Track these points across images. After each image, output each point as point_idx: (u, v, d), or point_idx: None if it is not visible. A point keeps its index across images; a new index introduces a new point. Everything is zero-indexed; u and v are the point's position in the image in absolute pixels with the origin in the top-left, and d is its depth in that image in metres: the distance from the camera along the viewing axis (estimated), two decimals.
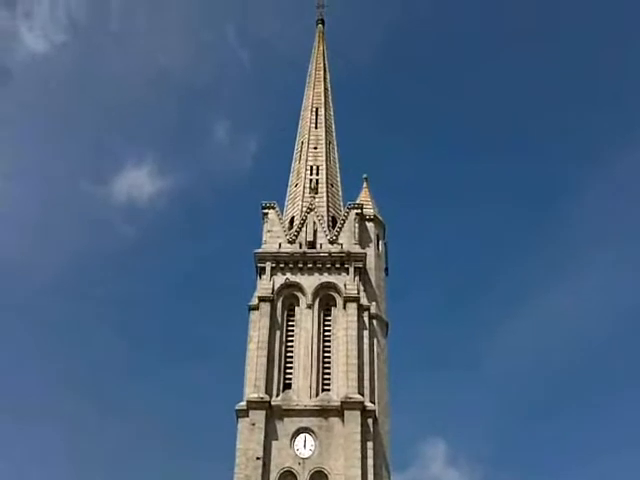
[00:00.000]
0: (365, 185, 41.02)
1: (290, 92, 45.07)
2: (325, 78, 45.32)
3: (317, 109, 43.80)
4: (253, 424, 32.38)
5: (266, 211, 38.62)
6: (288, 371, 34.39)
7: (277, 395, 33.49)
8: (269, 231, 38.05)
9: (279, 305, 35.87)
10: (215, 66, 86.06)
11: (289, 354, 34.83)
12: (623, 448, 67.10)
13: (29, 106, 79.32)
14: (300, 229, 37.93)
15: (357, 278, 36.49)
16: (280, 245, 37.42)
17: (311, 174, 40.92)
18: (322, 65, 46.03)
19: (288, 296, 36.22)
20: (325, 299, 36.17)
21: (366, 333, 35.27)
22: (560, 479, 67.33)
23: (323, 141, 42.31)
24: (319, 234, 37.83)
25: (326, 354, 34.82)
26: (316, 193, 39.83)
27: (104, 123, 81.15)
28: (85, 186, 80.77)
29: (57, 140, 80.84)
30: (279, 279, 36.49)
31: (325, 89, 44.91)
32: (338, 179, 41.41)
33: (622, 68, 79.96)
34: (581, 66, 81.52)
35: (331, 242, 37.48)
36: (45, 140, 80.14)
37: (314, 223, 38.11)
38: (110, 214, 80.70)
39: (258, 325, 35.08)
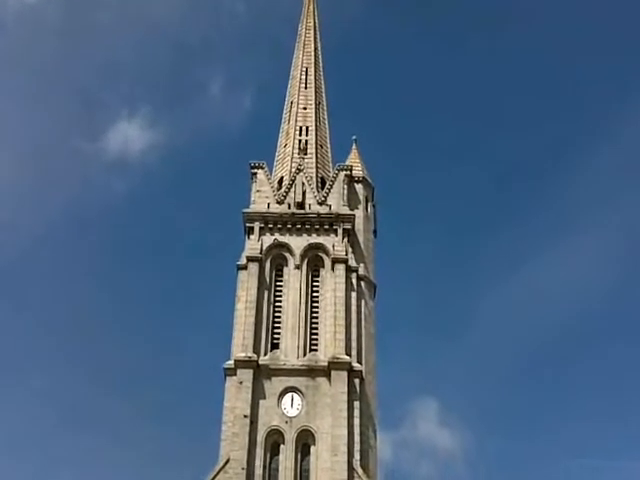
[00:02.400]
0: (354, 147, 40.93)
1: (285, 49, 44.60)
2: (315, 38, 44.84)
3: (307, 69, 43.40)
4: (241, 383, 32.52)
5: (255, 171, 38.40)
6: (276, 331, 34.48)
7: (265, 354, 33.62)
8: (258, 191, 37.89)
9: (267, 265, 35.85)
10: (210, 20, 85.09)
11: (277, 314, 34.91)
12: (610, 410, 68.36)
13: (18, 58, 78.40)
14: (289, 190, 37.80)
15: (345, 240, 36.52)
16: (269, 205, 37.32)
17: (300, 135, 40.65)
18: (312, 24, 45.48)
19: (276, 256, 36.20)
20: (313, 260, 36.18)
21: (354, 294, 35.39)
22: (551, 439, 68.10)
23: (313, 102, 41.99)
24: (308, 195, 37.71)
25: (314, 315, 34.93)
26: (305, 154, 39.63)
27: (95, 77, 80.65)
28: (76, 141, 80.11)
29: (46, 93, 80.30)
30: (267, 239, 36.43)
31: (315, 49, 44.45)
32: (327, 140, 41.21)
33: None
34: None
35: (320, 203, 37.39)
36: (34, 93, 79.53)
37: (303, 184, 37.97)
38: (101, 169, 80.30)
39: (246, 285, 35.08)
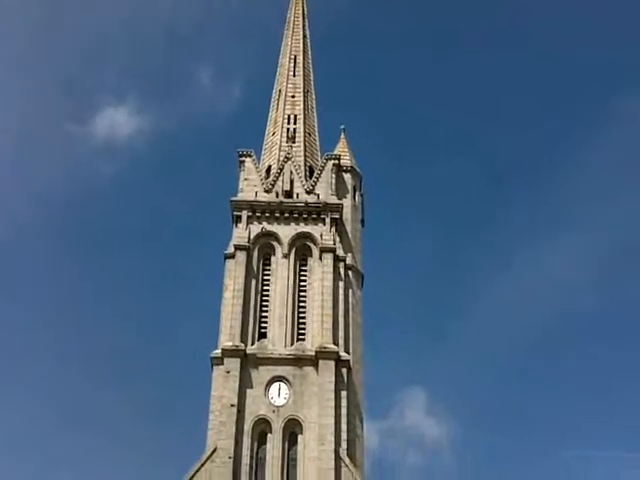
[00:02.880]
0: (343, 136, 40.85)
1: (275, 37, 44.32)
2: (304, 25, 44.62)
3: (295, 57, 43.20)
4: (228, 372, 32.48)
5: (243, 159, 38.26)
6: (263, 320, 34.43)
7: (252, 344, 33.57)
8: (246, 179, 37.75)
9: (255, 254, 35.77)
10: (200, 6, 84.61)
11: (264, 303, 34.85)
12: (598, 402, 68.82)
13: (3, 43, 77.67)
14: (277, 178, 37.68)
15: (333, 229, 36.47)
16: (256, 194, 37.19)
17: (289, 123, 40.48)
18: (301, 12, 45.27)
19: (264, 245, 36.12)
20: (301, 249, 36.13)
21: (341, 284, 35.38)
22: (539, 430, 68.44)
23: (301, 90, 41.80)
24: (296, 184, 37.62)
25: (301, 304, 34.91)
26: (293, 142, 39.49)
27: (83, 62, 79.82)
28: (63, 125, 79.56)
29: (33, 78, 79.37)
30: (255, 228, 36.33)
31: (304, 37, 44.23)
32: (316, 129, 41.05)
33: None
34: None
35: (308, 192, 37.32)
36: (20, 78, 78.61)
37: (291, 172, 37.88)
38: (88, 153, 79.83)
39: (234, 274, 34.99)
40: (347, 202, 38.06)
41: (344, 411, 32.15)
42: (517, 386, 72.88)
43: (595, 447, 68.56)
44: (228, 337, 33.40)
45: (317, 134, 40.96)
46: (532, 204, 77.79)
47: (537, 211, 77.91)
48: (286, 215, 36.62)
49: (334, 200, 37.23)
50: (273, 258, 35.96)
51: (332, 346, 33.32)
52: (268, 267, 35.81)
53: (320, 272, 35.29)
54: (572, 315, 76.25)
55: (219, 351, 33.18)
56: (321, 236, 36.07)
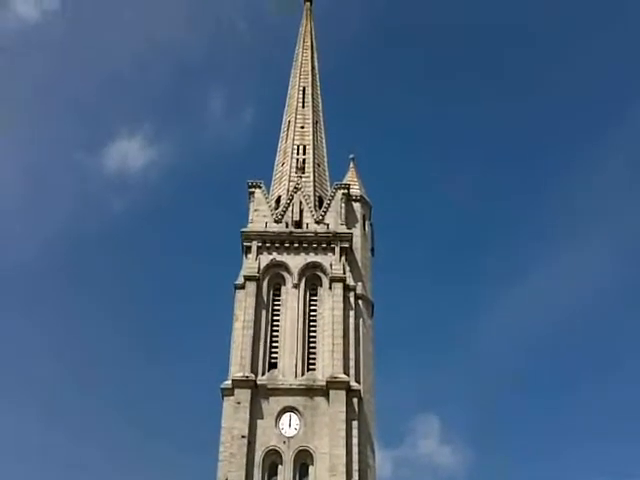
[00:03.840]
0: (352, 165, 40.94)
1: (284, 68, 44.76)
2: (312, 57, 45.01)
3: (304, 88, 43.54)
4: (238, 403, 32.38)
5: (252, 190, 38.44)
6: (274, 350, 34.37)
7: (262, 374, 33.49)
8: (256, 210, 37.91)
9: (265, 284, 35.80)
10: (211, 38, 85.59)
11: (275, 333, 34.81)
12: (614, 423, 67.75)
13: (19, 75, 78.75)
14: (286, 208, 37.82)
15: (343, 258, 36.49)
16: (266, 224, 37.32)
17: (298, 153, 40.72)
18: (309, 44, 45.70)
19: (274, 275, 36.15)
20: (311, 279, 36.14)
21: (352, 313, 35.31)
22: (552, 460, 67.55)
23: (310, 120, 42.09)
24: (305, 214, 37.74)
25: (312, 334, 34.84)
26: (303, 173, 39.69)
27: (96, 93, 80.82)
28: (76, 157, 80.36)
29: (48, 110, 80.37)
30: (265, 258, 36.40)
31: (312, 68, 44.61)
32: (325, 159, 41.24)
33: None
34: None
35: (317, 222, 37.41)
36: (35, 110, 79.71)
37: (300, 203, 38.02)
38: (100, 185, 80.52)
39: (244, 304, 35.01)
40: (357, 231, 38.09)
41: (355, 441, 31.92)
42: (533, 411, 72.19)
43: (614, 476, 67.37)
44: (238, 368, 33.35)
45: (326, 164, 41.15)
46: (543, 221, 77.71)
47: (541, 230, 77.80)
48: (296, 245, 36.69)
49: (344, 230, 37.29)
50: (283, 288, 35.98)
51: (343, 376, 33.18)
52: (278, 297, 35.82)
53: (330, 302, 35.25)
54: (587, 334, 75.73)
55: (229, 382, 33.11)
56: (331, 266, 36.09)
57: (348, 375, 33.36)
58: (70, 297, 75.03)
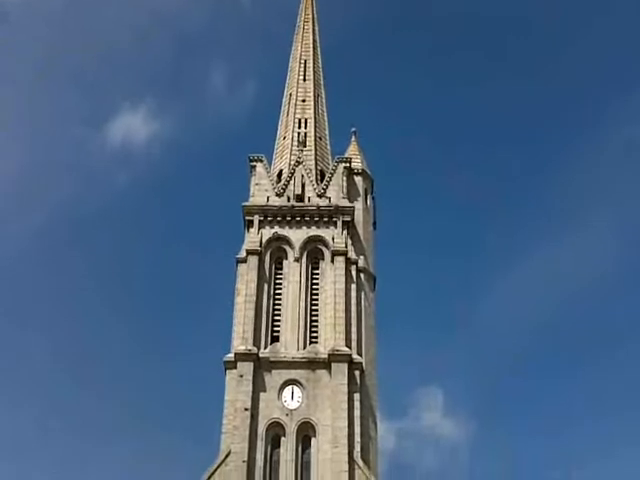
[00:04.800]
0: (354, 139, 40.85)
1: (286, 41, 44.57)
2: (314, 30, 44.72)
3: (305, 61, 43.31)
4: (241, 376, 32.54)
5: (254, 164, 38.37)
6: (276, 324, 34.47)
7: (265, 347, 33.64)
8: (257, 184, 37.86)
9: (267, 258, 35.84)
10: (212, 11, 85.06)
11: (277, 307, 34.90)
12: (620, 401, 68.00)
13: (19, 47, 78.28)
14: (288, 182, 37.78)
15: (345, 232, 36.49)
16: (268, 198, 37.29)
17: (299, 127, 40.57)
18: (311, 16, 45.36)
19: (276, 249, 36.19)
20: (313, 252, 36.17)
21: (354, 286, 35.35)
22: (554, 436, 67.88)
23: (311, 94, 41.90)
24: (307, 187, 37.71)
25: (314, 307, 34.92)
26: (304, 146, 39.57)
27: (98, 67, 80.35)
28: (77, 130, 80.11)
29: (49, 84, 80.00)
30: (267, 232, 36.42)
31: (314, 41, 44.32)
32: (326, 132, 41.13)
33: None
34: None
35: (319, 196, 37.37)
36: (37, 84, 79.33)
37: (302, 176, 37.98)
38: (103, 159, 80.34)
39: (246, 278, 35.08)
40: (358, 205, 38.07)
41: (357, 413, 32.11)
42: (538, 383, 72.42)
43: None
44: (241, 341, 33.49)
45: (328, 138, 41.04)
46: (546, 201, 77.61)
47: (547, 205, 77.71)
48: (297, 219, 36.69)
49: (345, 203, 37.27)
50: (285, 262, 36.04)
51: (345, 349, 33.32)
52: (280, 271, 35.88)
53: (332, 275, 35.32)
54: (593, 309, 75.74)
55: (232, 355, 33.28)
56: (333, 239, 36.12)
57: (350, 348, 33.50)
58: (72, 274, 74.94)
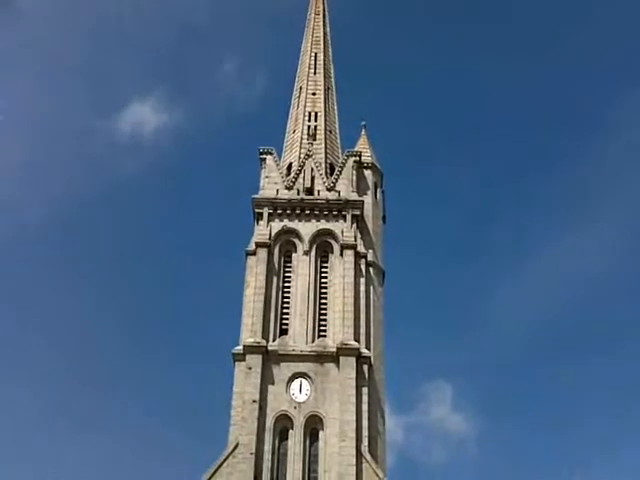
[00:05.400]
0: (363, 132, 40.90)
1: (298, 34, 44.52)
2: (324, 23, 44.73)
3: (316, 54, 43.32)
4: (250, 368, 32.61)
5: (264, 156, 38.42)
6: (285, 317, 34.53)
7: (273, 340, 33.69)
8: (267, 177, 37.89)
9: (276, 251, 35.88)
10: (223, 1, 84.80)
11: (286, 300, 34.94)
12: (626, 398, 67.86)
13: (26, 37, 78.26)
14: (298, 175, 37.78)
15: (354, 226, 36.50)
16: (277, 191, 37.31)
17: (309, 120, 40.58)
18: (321, 9, 45.38)
19: (285, 242, 36.22)
20: (322, 246, 36.19)
21: (363, 280, 35.38)
22: (562, 433, 67.79)
23: (322, 87, 41.91)
24: (317, 181, 37.71)
25: (322, 300, 34.96)
26: (314, 140, 39.57)
27: (108, 56, 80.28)
28: (86, 120, 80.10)
29: (58, 73, 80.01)
30: (276, 225, 36.45)
31: (324, 34, 44.36)
32: (336, 126, 41.11)
33: None
34: None
35: (329, 189, 37.38)
36: (47, 74, 79.34)
37: (312, 170, 37.97)
38: (111, 149, 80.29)
39: (255, 271, 35.12)
40: (368, 199, 38.07)
41: (365, 407, 32.17)
42: (545, 379, 72.12)
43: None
44: (250, 334, 33.55)
45: (338, 131, 41.03)
46: (553, 194, 77.48)
47: (559, 201, 77.58)
48: (307, 212, 36.69)
49: (355, 197, 37.27)
50: (294, 255, 36.06)
51: (353, 343, 33.35)
52: (289, 264, 35.91)
53: (341, 269, 35.33)
54: (603, 306, 75.45)
55: (241, 347, 33.33)
56: (342, 233, 36.12)
57: (358, 342, 33.54)
58: (78, 263, 74.94)
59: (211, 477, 30.82)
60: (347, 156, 38.45)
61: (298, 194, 37.13)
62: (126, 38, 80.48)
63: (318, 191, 37.34)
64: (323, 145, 39.57)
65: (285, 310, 34.70)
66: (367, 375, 32.92)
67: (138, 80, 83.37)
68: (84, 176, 77.77)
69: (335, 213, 36.71)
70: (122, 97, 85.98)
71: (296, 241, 36.21)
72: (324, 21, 44.74)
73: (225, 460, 31.08)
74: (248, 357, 32.88)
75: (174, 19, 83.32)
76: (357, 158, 38.50)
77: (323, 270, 35.81)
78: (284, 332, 34.14)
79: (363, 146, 39.99)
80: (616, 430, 67.31)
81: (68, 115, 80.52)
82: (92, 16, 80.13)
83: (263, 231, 36.18)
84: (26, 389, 66.13)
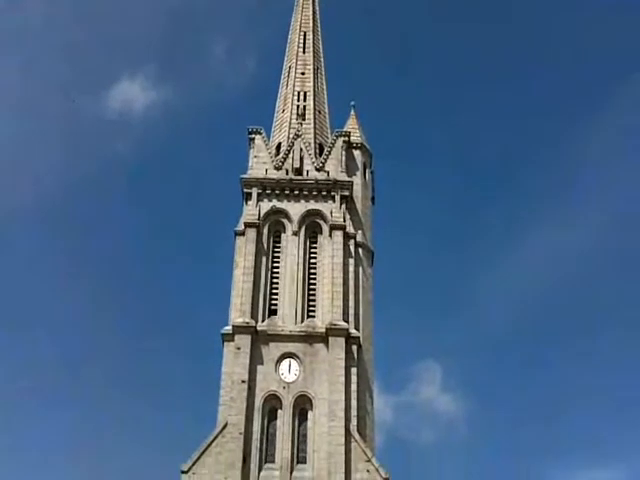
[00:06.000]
0: (353, 112, 40.73)
1: (288, 12, 44.20)
2: (314, 2, 44.42)
3: (305, 33, 43.03)
4: (238, 348, 32.58)
5: (252, 136, 38.19)
6: (274, 297, 34.49)
7: (262, 320, 33.66)
8: (255, 157, 37.70)
9: (265, 231, 35.79)
10: None
11: (275, 280, 34.89)
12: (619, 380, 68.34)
13: (18, 17, 77.46)
14: (287, 155, 37.62)
15: (343, 206, 36.43)
16: (266, 171, 37.16)
17: (298, 100, 40.36)
18: None
19: (274, 222, 36.12)
20: (311, 226, 36.12)
21: (352, 261, 35.37)
22: (551, 418, 68.29)
23: (311, 66, 41.66)
24: (306, 161, 37.56)
25: (311, 281, 34.94)
26: (303, 119, 39.39)
27: (98, 36, 79.51)
28: (75, 98, 79.32)
29: (42, 48, 79.17)
30: (265, 205, 36.33)
31: (313, 13, 44.05)
32: (326, 106, 40.91)
33: None
34: None
35: (318, 169, 37.24)
36: (31, 52, 78.55)
37: (301, 150, 37.80)
38: (100, 127, 79.69)
39: (244, 251, 35.02)
40: (357, 179, 37.99)
41: (354, 387, 32.22)
42: (535, 360, 72.44)
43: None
44: (239, 314, 33.49)
45: (327, 111, 40.83)
46: (541, 177, 77.67)
47: (546, 185, 77.74)
48: (296, 192, 36.59)
49: (344, 177, 37.17)
50: (283, 235, 35.98)
51: (342, 323, 33.39)
52: (278, 244, 35.83)
53: (330, 249, 35.29)
54: (589, 287, 75.89)
55: (230, 327, 33.28)
56: (331, 213, 36.05)
57: (347, 322, 33.57)
58: (66, 244, 74.61)
59: (200, 457, 30.81)
60: (336, 136, 38.32)
61: (287, 174, 36.99)
62: (115, 17, 79.73)
63: (307, 171, 37.21)
64: (312, 125, 39.40)
65: (274, 290, 34.66)
66: (356, 355, 32.95)
67: (127, 60, 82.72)
68: (71, 155, 77.27)
69: (324, 193, 36.62)
70: (110, 76, 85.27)
71: (285, 221, 36.12)
72: (313, 0, 44.42)
73: (214, 440, 31.10)
74: (237, 337, 32.85)
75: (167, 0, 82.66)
76: (346, 138, 38.38)
77: (312, 250, 35.76)
78: (273, 312, 34.12)
79: (352, 126, 39.85)
80: (604, 410, 67.78)
81: (56, 93, 79.89)
82: None
83: (252, 211, 36.06)
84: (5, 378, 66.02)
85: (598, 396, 67.98)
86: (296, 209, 36.26)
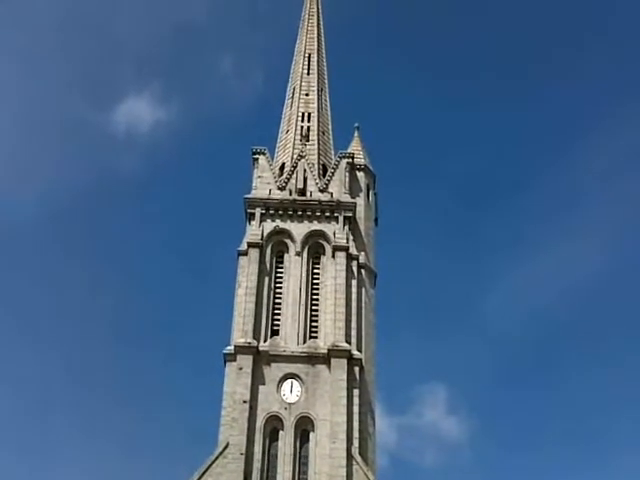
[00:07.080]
0: (356, 134, 40.93)
1: (293, 34, 44.52)
2: (318, 24, 44.75)
3: (309, 55, 43.33)
4: (240, 368, 32.53)
5: (256, 156, 38.36)
6: (276, 317, 34.48)
7: (265, 341, 33.63)
8: (259, 177, 37.84)
9: (268, 252, 35.83)
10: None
11: (277, 301, 34.89)
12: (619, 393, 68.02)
13: (22, 28, 77.84)
14: (290, 176, 37.75)
15: (346, 227, 36.52)
16: (270, 191, 37.26)
17: (302, 121, 40.59)
18: (315, 10, 45.40)
19: (277, 243, 36.18)
20: (314, 247, 36.18)
21: (354, 282, 35.40)
22: (558, 435, 67.89)
23: (315, 88, 41.92)
24: (309, 182, 37.69)
25: (314, 302, 34.94)
26: (307, 140, 39.60)
27: (106, 51, 79.94)
28: (81, 114, 79.66)
29: (52, 65, 79.55)
30: (268, 225, 36.41)
31: (318, 35, 44.38)
32: (329, 127, 41.13)
33: None
34: None
35: (321, 190, 37.37)
36: (40, 65, 78.84)
37: (305, 171, 37.95)
38: (106, 144, 79.87)
39: (247, 271, 35.05)
40: (360, 201, 38.10)
41: (356, 409, 32.15)
42: (541, 381, 72.09)
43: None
44: (241, 334, 33.47)
45: (331, 132, 41.04)
46: (551, 191, 77.63)
47: (556, 198, 77.71)
48: (299, 213, 36.68)
49: (347, 199, 37.28)
50: (286, 256, 36.03)
51: (344, 344, 33.35)
52: (281, 265, 35.87)
53: (333, 270, 35.32)
54: (597, 306, 75.58)
55: (232, 347, 33.26)
56: (334, 234, 36.12)
57: (350, 344, 33.54)
58: (68, 259, 74.55)
59: (201, 477, 30.71)
60: (340, 157, 38.48)
61: (290, 195, 37.11)
62: (122, 34, 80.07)
63: (310, 192, 37.33)
64: (316, 146, 39.58)
65: (276, 311, 34.66)
66: (358, 377, 32.92)
67: (134, 77, 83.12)
68: (76, 170, 77.40)
69: (327, 214, 36.72)
70: (117, 93, 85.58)
71: (288, 242, 36.18)
72: (318, 22, 44.77)
73: (215, 460, 30.99)
74: (239, 357, 32.81)
75: (171, 16, 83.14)
76: (350, 160, 38.52)
77: (315, 271, 35.79)
78: (275, 333, 34.10)
79: (356, 148, 40.02)
80: (614, 429, 67.27)
81: (61, 107, 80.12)
82: (90, 7, 79.73)
83: (255, 231, 36.13)
84: (8, 386, 65.85)
85: (609, 417, 67.55)
86: (299, 230, 36.34)
